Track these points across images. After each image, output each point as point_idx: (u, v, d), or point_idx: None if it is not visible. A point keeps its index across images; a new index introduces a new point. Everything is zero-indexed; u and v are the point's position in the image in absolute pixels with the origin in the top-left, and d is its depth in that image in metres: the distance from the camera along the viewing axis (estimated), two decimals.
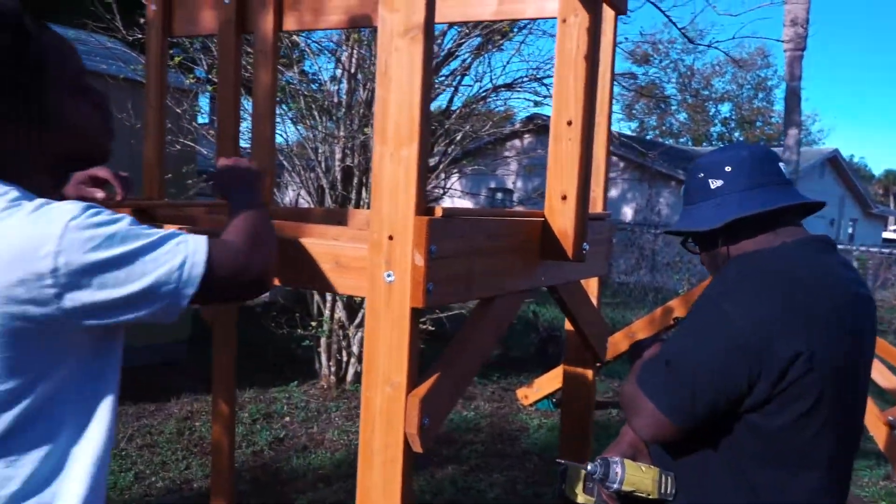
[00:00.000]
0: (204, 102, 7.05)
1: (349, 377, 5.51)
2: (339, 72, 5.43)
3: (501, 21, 3.53)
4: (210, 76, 5.35)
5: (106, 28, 4.89)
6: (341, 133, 5.28)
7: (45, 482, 0.99)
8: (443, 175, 6.00)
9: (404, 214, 1.11)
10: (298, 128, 5.87)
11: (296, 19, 2.36)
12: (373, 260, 1.15)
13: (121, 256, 0.95)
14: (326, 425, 4.65)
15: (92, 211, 0.95)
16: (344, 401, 5.16)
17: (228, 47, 2.46)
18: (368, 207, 5.45)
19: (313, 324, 5.36)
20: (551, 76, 6.02)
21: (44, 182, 1.05)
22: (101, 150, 1.14)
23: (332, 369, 5.48)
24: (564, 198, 1.47)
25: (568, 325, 1.94)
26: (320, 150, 5.48)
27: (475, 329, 1.31)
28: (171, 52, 5.17)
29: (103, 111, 1.14)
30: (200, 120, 6.59)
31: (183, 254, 1.00)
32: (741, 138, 33.91)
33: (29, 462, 0.97)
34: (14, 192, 0.97)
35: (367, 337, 1.16)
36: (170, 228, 1.07)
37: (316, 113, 5.51)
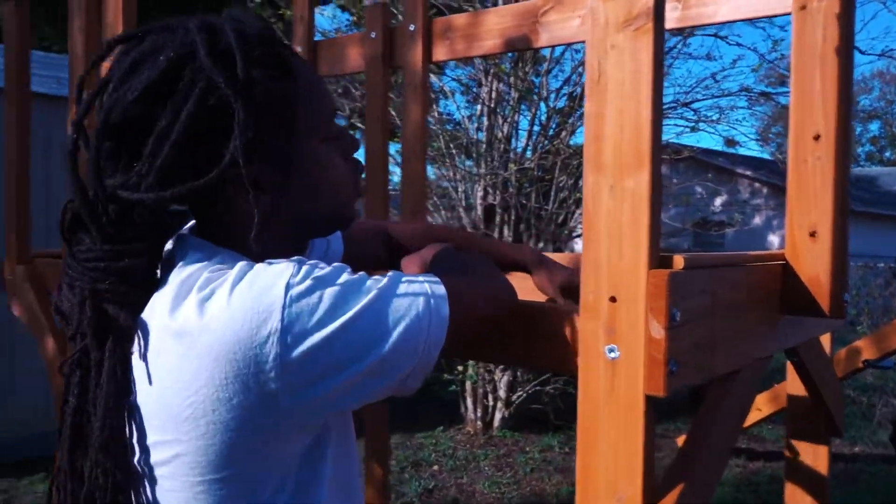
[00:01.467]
0: None
1: (496, 422, 5.19)
2: (478, 108, 5.23)
3: (685, 28, 3.14)
4: (351, 120, 5.30)
5: None
6: (482, 170, 5.05)
7: None
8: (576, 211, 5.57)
9: (633, 267, 0.80)
10: (438, 167, 5.71)
11: (447, 49, 2.12)
12: (587, 328, 0.84)
13: (358, 314, 0.65)
14: (476, 475, 4.34)
15: (308, 266, 0.67)
16: (492, 448, 4.83)
17: (376, 84, 2.28)
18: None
19: (459, 368, 5.10)
20: (700, 100, 5.55)
21: (274, 253, 0.73)
22: (348, 214, 0.84)
23: (479, 414, 5.18)
24: (814, 234, 1.10)
25: (794, 390, 1.54)
26: (460, 189, 5.28)
27: (718, 416, 0.96)
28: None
29: (355, 163, 0.84)
30: None
31: (423, 293, 0.71)
32: (892, 157, 31.14)
33: None
34: (217, 262, 0.70)
35: (582, 432, 0.85)
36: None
37: (454, 151, 5.32)
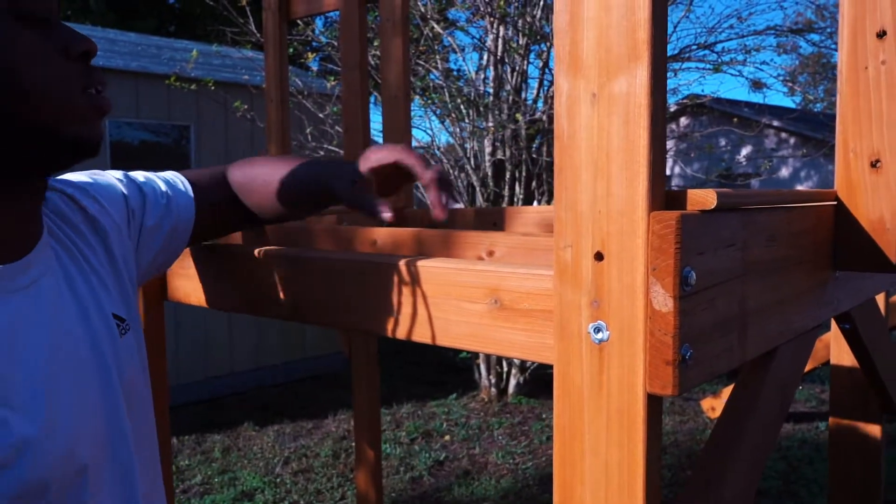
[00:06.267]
0: None
1: (511, 389, 4.98)
2: (485, 58, 4.92)
3: None
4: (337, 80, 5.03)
5: (240, 32, 4.65)
6: (490, 124, 4.76)
7: None
8: None
9: (627, 208, 0.55)
10: (446, 125, 5.42)
11: None
12: (563, 297, 0.59)
13: None
14: (489, 445, 4.14)
15: None
16: (506, 415, 4.63)
17: (352, 21, 2.03)
18: (525, 204, 4.90)
19: None
20: (723, 41, 5.19)
21: None
22: (74, 131, 0.61)
23: (493, 381, 4.97)
24: (876, 163, 0.84)
25: (838, 359, 1.28)
26: (468, 146, 4.99)
27: (749, 414, 0.71)
28: (317, 57, 4.88)
29: (85, 66, 0.63)
30: None
31: None
32: None
33: None
34: None
35: (560, 440, 0.61)
36: None
37: (462, 106, 5.02)
